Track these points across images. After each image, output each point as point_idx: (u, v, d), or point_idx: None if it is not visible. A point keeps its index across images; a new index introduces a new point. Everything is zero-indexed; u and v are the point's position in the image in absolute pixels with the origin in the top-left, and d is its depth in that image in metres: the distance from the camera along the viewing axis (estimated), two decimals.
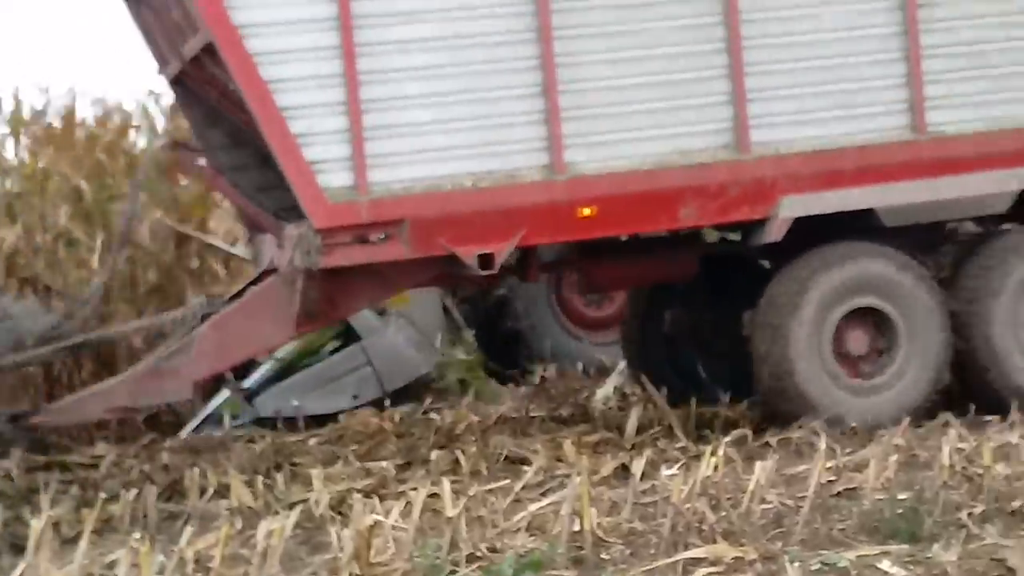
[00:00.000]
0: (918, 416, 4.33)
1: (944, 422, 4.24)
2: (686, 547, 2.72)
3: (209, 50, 4.20)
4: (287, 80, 4.16)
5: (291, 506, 3.67)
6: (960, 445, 3.69)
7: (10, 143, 7.42)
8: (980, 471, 3.34)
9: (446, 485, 3.25)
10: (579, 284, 5.91)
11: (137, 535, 3.21)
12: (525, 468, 4.09)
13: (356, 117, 4.19)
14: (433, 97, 4.29)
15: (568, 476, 3.77)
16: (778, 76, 4.43)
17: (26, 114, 7.54)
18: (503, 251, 4.27)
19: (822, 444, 3.70)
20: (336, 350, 6.20)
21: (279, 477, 4.29)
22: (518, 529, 3.08)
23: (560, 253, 5.39)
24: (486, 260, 4.26)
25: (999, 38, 4.61)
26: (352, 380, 6.04)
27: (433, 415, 5.76)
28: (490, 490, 3.77)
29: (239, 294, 4.83)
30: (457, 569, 2.64)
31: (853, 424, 4.29)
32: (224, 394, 5.89)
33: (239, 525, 3.41)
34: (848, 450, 3.96)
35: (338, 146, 4.20)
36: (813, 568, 2.53)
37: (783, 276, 4.49)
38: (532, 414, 5.58)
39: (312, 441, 5.36)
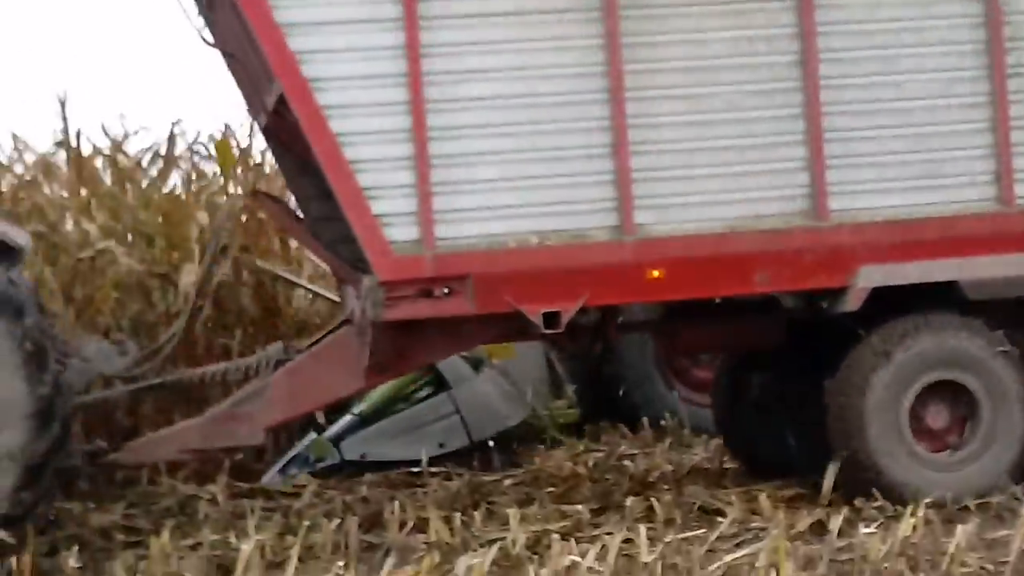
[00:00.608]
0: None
1: None
2: None
3: (285, 101, 4.27)
4: (356, 134, 4.19)
5: (488, 544, 3.90)
6: None
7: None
8: None
9: (642, 531, 3.64)
10: (664, 347, 6.04)
11: (340, 563, 3.66)
12: (720, 519, 4.20)
13: (424, 172, 4.20)
14: (501, 154, 4.30)
15: (763, 529, 3.90)
16: (859, 143, 4.33)
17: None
18: (570, 311, 4.18)
19: None
20: (426, 397, 6.20)
21: (476, 515, 4.48)
22: None
23: (647, 314, 5.44)
24: (551, 319, 4.17)
25: None
26: (439, 428, 6.05)
27: (627, 462, 5.90)
28: (685, 538, 3.89)
29: (316, 342, 4.89)
30: None
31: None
32: (311, 436, 5.99)
33: (437, 559, 3.56)
34: None
35: (405, 200, 4.20)
36: None
37: (863, 346, 4.34)
38: (726, 465, 5.58)
39: (507, 481, 5.64)
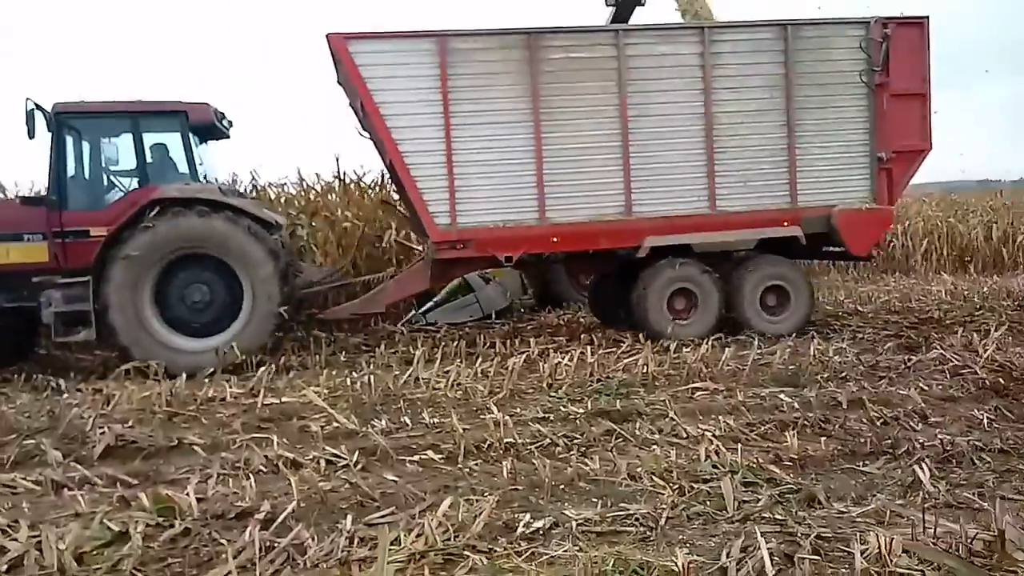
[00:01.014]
0: None
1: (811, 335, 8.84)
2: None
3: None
4: (419, 167, 9.01)
5: (519, 353, 8.51)
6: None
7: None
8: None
9: (588, 350, 9.05)
10: (569, 272, 11.78)
11: (458, 360, 9.09)
12: (621, 342, 9.04)
13: (452, 189, 9.12)
14: (486, 178, 9.22)
15: (639, 343, 9.01)
16: (647, 175, 9.43)
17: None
18: (515, 255, 9.26)
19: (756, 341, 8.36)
20: (463, 295, 11.93)
21: (515, 340, 9.78)
22: None
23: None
24: (508, 259, 9.28)
25: None
26: (470, 309, 11.78)
27: (570, 321, 11.71)
28: (607, 351, 8.63)
29: (409, 267, 10.12)
30: None
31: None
32: (428, 304, 11.82)
33: (499, 359, 8.63)
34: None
35: (443, 204, 9.07)
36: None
37: (646, 272, 9.60)
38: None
39: (529, 327, 11.35)
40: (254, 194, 13.21)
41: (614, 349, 8.49)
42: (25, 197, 9.39)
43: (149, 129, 9.09)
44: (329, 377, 7.58)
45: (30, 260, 8.80)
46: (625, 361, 7.84)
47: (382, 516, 3.99)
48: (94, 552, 3.69)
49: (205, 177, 9.44)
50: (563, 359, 7.76)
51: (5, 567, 3.52)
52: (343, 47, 8.68)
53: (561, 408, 6.18)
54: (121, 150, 9.12)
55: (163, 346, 8.61)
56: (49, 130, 8.67)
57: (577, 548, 3.47)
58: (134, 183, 9.09)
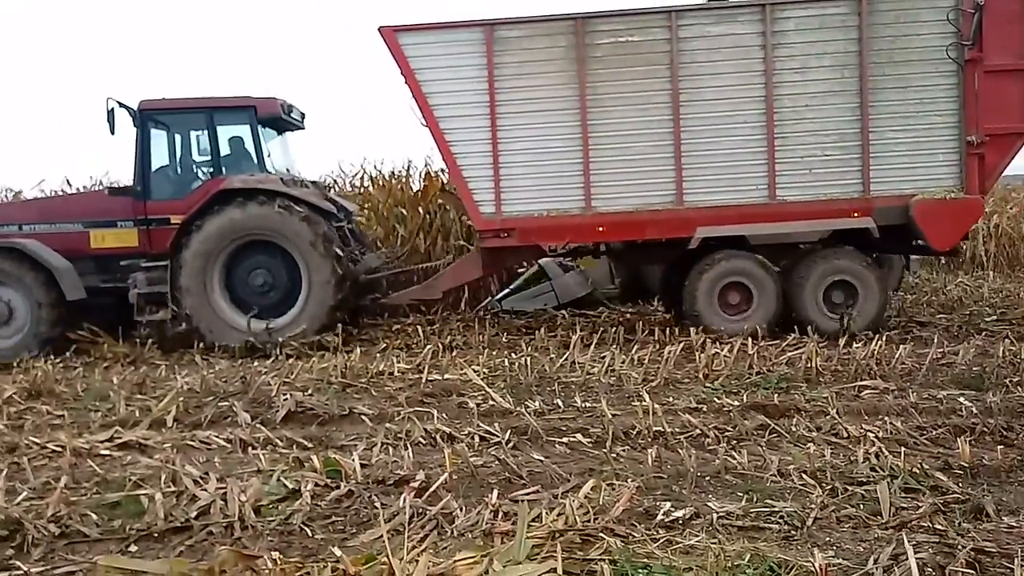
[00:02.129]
0: None
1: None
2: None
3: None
4: (467, 156, 9.09)
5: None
6: None
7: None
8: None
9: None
10: (615, 265, 11.06)
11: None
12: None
13: (497, 180, 9.16)
14: (531, 169, 9.19)
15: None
16: (702, 164, 9.02)
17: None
18: (560, 245, 9.20)
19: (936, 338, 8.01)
20: (538, 283, 11.83)
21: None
22: None
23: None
24: (553, 248, 9.24)
25: None
26: (545, 297, 11.56)
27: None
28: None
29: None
30: None
31: None
32: (506, 290, 11.92)
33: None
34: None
35: (488, 194, 9.15)
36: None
37: (699, 263, 9.21)
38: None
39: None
40: (338, 185, 13.79)
41: (777, 341, 8.26)
42: (112, 188, 10.33)
43: (222, 123, 9.76)
44: (489, 357, 7.99)
45: (123, 244, 9.76)
46: (789, 354, 7.55)
47: (526, 493, 4.14)
48: (270, 505, 4.11)
49: (276, 167, 10.01)
50: (723, 350, 7.61)
51: (195, 513, 4.00)
52: (394, 40, 8.89)
53: (715, 399, 6.06)
54: (199, 143, 9.85)
55: (230, 326, 9.29)
56: (135, 125, 9.52)
57: (714, 540, 3.44)
58: (209, 174, 9.79)
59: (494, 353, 8.26)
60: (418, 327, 10.02)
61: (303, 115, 10.63)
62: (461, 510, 3.85)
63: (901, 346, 7.60)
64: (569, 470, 4.55)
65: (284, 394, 6.55)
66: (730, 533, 3.57)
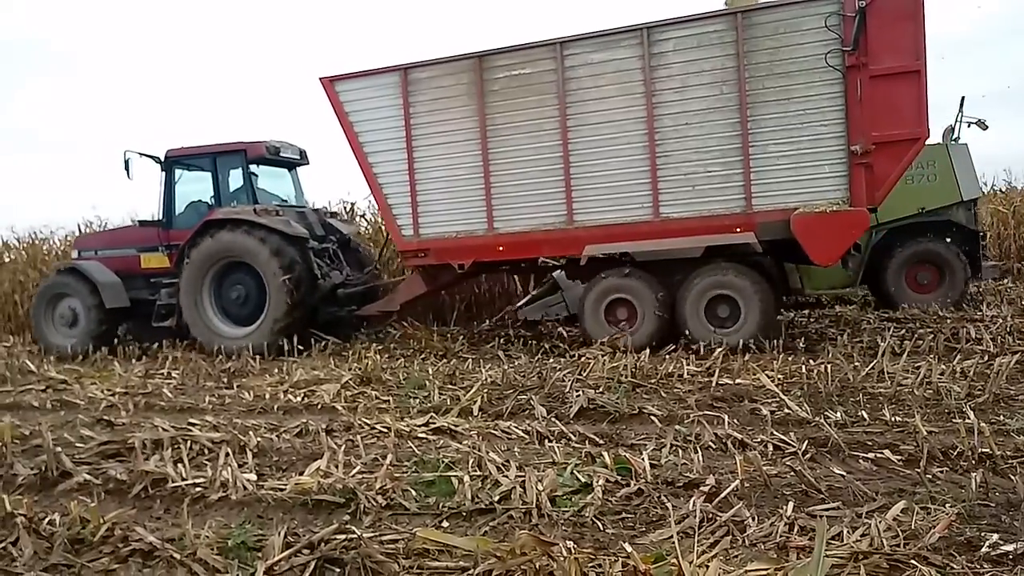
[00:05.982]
0: None
1: None
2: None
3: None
4: (390, 186, 10.27)
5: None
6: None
7: None
8: None
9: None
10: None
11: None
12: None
13: (415, 204, 10.19)
14: (443, 195, 10.08)
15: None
16: (588, 185, 9.40)
17: None
18: (467, 263, 10.02)
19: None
20: (551, 294, 12.07)
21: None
22: None
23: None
24: (461, 266, 10.09)
25: None
26: (558, 307, 11.56)
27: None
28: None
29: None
30: None
31: None
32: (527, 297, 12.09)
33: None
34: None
35: (407, 217, 10.21)
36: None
37: (589, 282, 9.56)
38: None
39: None
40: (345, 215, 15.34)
41: None
42: (142, 221, 12.68)
43: (222, 164, 11.77)
44: (785, 362, 7.50)
45: (160, 265, 12.10)
46: None
47: (825, 509, 3.83)
48: (564, 496, 4.20)
49: (271, 198, 11.87)
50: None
51: (497, 497, 4.21)
52: (331, 88, 10.33)
53: None
54: (206, 182, 11.96)
55: (214, 332, 11.20)
56: (162, 170, 11.83)
57: None
58: (211, 207, 11.86)
59: (790, 358, 7.74)
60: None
61: (302, 152, 12.42)
62: (753, 519, 3.65)
63: None
64: (875, 488, 4.12)
65: (577, 390, 6.75)
66: None
